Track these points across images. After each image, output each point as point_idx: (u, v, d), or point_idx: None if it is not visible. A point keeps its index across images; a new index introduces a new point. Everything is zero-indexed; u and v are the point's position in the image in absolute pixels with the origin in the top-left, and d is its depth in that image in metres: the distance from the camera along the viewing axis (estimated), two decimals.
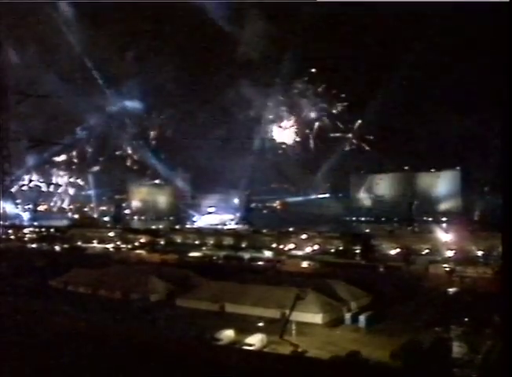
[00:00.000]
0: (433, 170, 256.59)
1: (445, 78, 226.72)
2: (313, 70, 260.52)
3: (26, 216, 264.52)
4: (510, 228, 42.15)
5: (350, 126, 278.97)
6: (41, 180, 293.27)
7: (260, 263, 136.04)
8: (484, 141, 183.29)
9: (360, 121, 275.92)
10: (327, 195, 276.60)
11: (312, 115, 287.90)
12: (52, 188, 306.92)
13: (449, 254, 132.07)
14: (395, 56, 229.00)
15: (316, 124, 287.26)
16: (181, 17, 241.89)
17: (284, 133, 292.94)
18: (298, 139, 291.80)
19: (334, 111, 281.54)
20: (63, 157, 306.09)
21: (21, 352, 68.51)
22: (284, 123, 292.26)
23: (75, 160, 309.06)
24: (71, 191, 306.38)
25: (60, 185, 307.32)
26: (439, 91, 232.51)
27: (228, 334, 72.57)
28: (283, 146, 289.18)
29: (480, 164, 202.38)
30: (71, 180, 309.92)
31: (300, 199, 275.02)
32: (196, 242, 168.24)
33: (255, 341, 69.55)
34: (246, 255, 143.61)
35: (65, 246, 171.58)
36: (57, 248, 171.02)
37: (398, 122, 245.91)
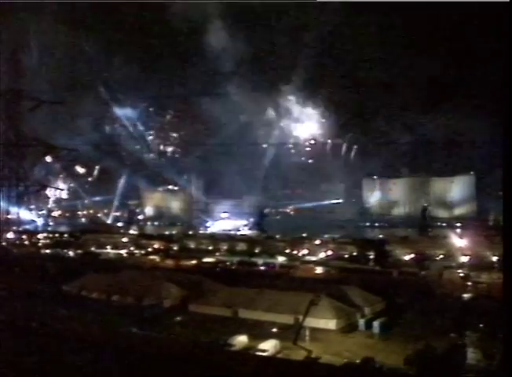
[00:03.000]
0: (446, 175, 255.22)
1: (445, 80, 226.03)
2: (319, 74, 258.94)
3: (40, 221, 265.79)
4: (511, 231, 41.71)
5: (362, 130, 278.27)
6: (55, 185, 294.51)
7: (273, 268, 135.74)
8: (498, 145, 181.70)
9: (371, 125, 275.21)
10: (340, 201, 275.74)
11: (324, 119, 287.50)
12: (65, 194, 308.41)
13: (464, 259, 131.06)
14: (395, 57, 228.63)
15: (329, 129, 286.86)
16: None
17: (298, 138, 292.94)
18: (311, 144, 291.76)
19: (344, 116, 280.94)
20: (77, 163, 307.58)
21: (35, 357, 68.59)
22: (298, 129, 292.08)
23: (89, 166, 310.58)
24: (85, 196, 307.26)
25: (74, 191, 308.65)
26: (445, 94, 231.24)
27: (242, 339, 72.34)
28: (297, 151, 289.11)
29: (494, 169, 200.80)
30: (85, 185, 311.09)
31: (313, 204, 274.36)
32: (210, 247, 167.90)
33: (268, 347, 69.25)
34: (260, 261, 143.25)
35: (79, 251, 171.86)
36: (71, 254, 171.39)
37: (410, 126, 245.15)
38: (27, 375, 65.31)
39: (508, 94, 40.56)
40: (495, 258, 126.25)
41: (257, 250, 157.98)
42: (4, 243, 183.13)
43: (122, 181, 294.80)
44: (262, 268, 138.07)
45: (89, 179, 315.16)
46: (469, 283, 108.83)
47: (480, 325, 71.55)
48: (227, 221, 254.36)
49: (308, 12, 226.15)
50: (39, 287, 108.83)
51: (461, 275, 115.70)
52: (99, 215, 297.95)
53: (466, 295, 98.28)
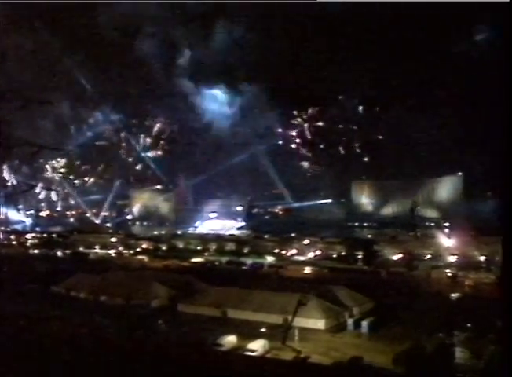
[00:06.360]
0: (434, 176, 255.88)
1: (445, 80, 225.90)
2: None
3: (28, 221, 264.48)
4: (510, 232, 41.81)
5: (351, 131, 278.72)
6: (42, 185, 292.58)
7: (262, 269, 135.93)
8: (486, 146, 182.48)
9: (361, 126, 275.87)
10: (329, 201, 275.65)
11: (315, 120, 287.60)
12: (53, 194, 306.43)
13: (452, 259, 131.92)
14: (393, 58, 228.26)
15: (318, 130, 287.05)
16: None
17: (287, 138, 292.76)
18: (300, 145, 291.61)
19: (335, 117, 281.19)
20: (64, 163, 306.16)
21: (23, 357, 68.23)
22: (287, 129, 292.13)
23: (77, 166, 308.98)
24: (73, 196, 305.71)
25: (62, 191, 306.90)
26: (439, 94, 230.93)
27: (230, 339, 72.46)
28: (286, 152, 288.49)
29: (482, 169, 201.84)
30: (73, 185, 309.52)
31: (302, 204, 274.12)
32: (198, 247, 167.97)
33: (257, 346, 69.41)
34: (249, 261, 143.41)
35: (67, 251, 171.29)
36: (59, 254, 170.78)
37: (399, 127, 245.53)
38: (17, 374, 64.98)
39: (508, 94, 40.73)
40: (482, 258, 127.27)
41: (245, 250, 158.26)
42: None
43: (111, 181, 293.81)
44: (251, 268, 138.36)
45: (78, 180, 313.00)
46: (457, 283, 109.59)
47: (468, 324, 71.82)
48: (215, 221, 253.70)
49: None
50: (27, 287, 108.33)
51: (449, 274, 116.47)
52: (87, 215, 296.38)
53: (453, 295, 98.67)
